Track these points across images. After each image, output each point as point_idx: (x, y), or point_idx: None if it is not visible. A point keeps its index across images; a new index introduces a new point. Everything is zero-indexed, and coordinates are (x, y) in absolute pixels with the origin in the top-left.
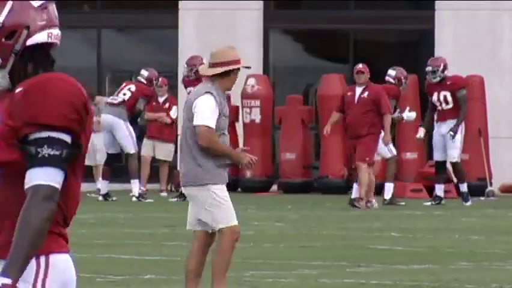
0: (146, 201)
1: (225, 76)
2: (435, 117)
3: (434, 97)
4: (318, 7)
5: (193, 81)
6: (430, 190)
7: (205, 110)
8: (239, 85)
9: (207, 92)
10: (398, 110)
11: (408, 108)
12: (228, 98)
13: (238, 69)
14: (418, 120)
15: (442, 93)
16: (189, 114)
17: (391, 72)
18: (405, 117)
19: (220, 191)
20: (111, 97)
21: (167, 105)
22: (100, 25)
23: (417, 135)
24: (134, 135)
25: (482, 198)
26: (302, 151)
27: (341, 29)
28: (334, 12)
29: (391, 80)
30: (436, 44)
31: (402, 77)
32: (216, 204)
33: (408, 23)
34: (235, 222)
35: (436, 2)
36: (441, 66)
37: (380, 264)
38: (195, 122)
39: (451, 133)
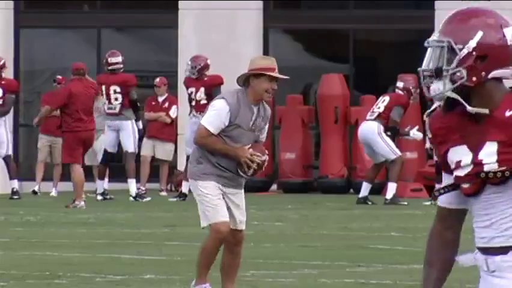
0: (144, 200)
1: (248, 85)
2: None
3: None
4: (318, 7)
5: (194, 80)
6: (430, 190)
7: (209, 112)
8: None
9: (222, 97)
10: (409, 126)
11: (417, 127)
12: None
13: (258, 77)
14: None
15: None
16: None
17: (399, 84)
18: (411, 134)
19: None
20: (107, 106)
21: (166, 104)
22: (99, 25)
23: (427, 146)
24: (137, 135)
25: None
26: (302, 151)
27: (341, 29)
28: (334, 12)
29: (400, 92)
30: None
31: (410, 87)
32: (199, 200)
33: (408, 23)
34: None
35: (436, 2)
36: None
37: (380, 264)
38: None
39: None
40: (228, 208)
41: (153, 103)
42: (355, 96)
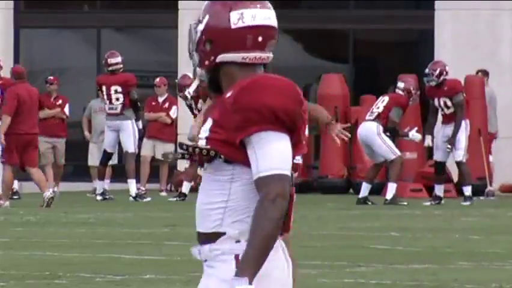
0: (144, 200)
1: None
2: (441, 118)
3: (436, 102)
4: (317, 7)
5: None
6: (430, 190)
7: None
8: None
9: None
10: (408, 127)
11: (416, 128)
12: None
13: None
14: (420, 128)
15: (442, 99)
16: None
17: (400, 84)
18: (410, 136)
19: None
20: (108, 107)
21: (166, 105)
22: (99, 25)
23: (425, 144)
24: (137, 135)
25: (482, 198)
26: None
27: (340, 29)
28: (334, 12)
29: (400, 92)
30: (436, 44)
31: (411, 88)
32: None
33: (408, 23)
34: None
35: (436, 2)
36: (437, 71)
37: (380, 264)
38: None
39: (448, 146)
40: None
41: (153, 103)
42: (355, 96)
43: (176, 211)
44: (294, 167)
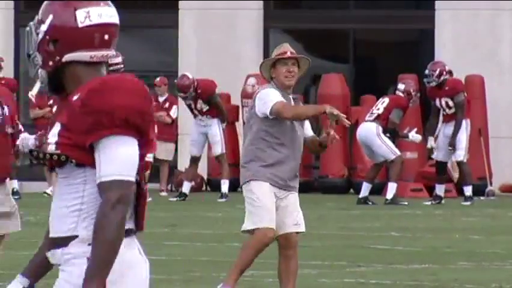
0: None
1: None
2: (442, 118)
3: (437, 102)
4: (318, 7)
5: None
6: (430, 190)
7: (267, 95)
8: (239, 85)
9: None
10: (407, 128)
11: (415, 129)
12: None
13: (274, 66)
14: (421, 129)
15: (443, 100)
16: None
17: (400, 86)
18: (410, 137)
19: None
20: None
21: (167, 104)
22: None
23: (428, 146)
24: None
25: (482, 197)
26: (302, 151)
27: (340, 29)
28: (334, 12)
29: (400, 94)
30: (436, 44)
31: (411, 90)
32: (249, 203)
33: (408, 23)
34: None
35: (436, 2)
36: (437, 72)
37: (380, 264)
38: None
39: (450, 148)
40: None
41: (154, 103)
42: (355, 96)
43: (176, 211)
44: (147, 165)
